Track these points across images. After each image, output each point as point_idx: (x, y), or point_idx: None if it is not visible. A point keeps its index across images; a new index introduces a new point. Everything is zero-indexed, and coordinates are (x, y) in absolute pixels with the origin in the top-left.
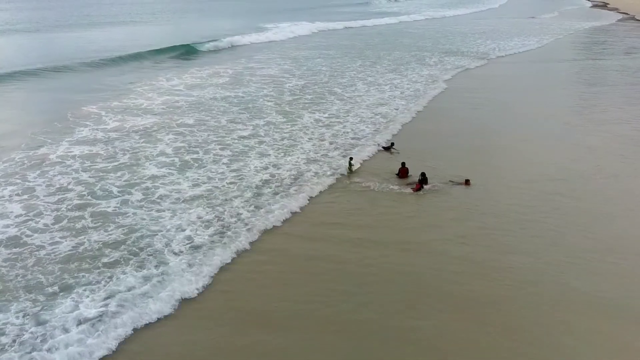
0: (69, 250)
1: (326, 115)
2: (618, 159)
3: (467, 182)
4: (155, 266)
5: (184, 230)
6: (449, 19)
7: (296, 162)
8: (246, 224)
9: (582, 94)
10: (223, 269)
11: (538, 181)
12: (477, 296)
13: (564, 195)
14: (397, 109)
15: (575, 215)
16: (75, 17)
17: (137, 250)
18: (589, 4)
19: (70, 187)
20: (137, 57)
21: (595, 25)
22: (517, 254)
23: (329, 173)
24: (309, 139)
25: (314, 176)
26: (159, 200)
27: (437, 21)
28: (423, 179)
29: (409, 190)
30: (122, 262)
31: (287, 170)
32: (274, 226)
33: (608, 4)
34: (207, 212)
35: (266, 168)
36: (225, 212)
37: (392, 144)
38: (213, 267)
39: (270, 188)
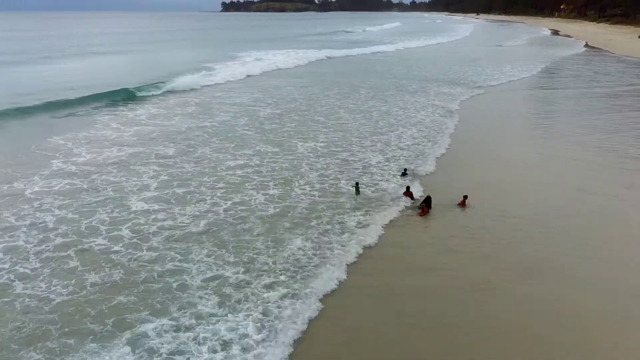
0: (69, 296)
1: (321, 144)
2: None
3: (464, 200)
4: (181, 310)
5: (204, 269)
6: (427, 47)
7: (307, 193)
8: (286, 268)
9: (584, 119)
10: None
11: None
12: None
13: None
14: (400, 136)
15: (577, 233)
16: (35, 49)
17: (153, 292)
18: (548, 32)
19: (51, 226)
20: (89, 99)
21: (568, 54)
22: (537, 265)
23: (348, 206)
24: (310, 168)
25: (331, 208)
26: (155, 238)
27: (413, 50)
28: (428, 202)
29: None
30: (142, 308)
31: (299, 202)
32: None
33: (559, 31)
34: (220, 250)
35: (275, 201)
36: (243, 249)
37: (405, 169)
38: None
39: (287, 221)
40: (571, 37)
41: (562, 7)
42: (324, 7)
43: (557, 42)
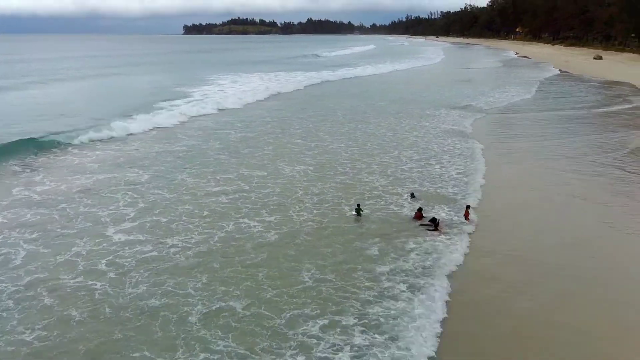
0: (56, 339)
1: (311, 167)
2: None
3: (467, 210)
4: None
5: (207, 303)
6: (402, 72)
7: (311, 219)
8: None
9: (580, 139)
10: None
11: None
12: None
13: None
14: (398, 159)
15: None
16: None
17: (151, 327)
18: (513, 54)
19: (20, 262)
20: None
21: (548, 76)
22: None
23: (359, 232)
24: (305, 192)
25: (339, 234)
26: (142, 272)
27: (393, 74)
28: (435, 225)
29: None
30: (143, 346)
31: (302, 227)
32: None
33: (518, 52)
34: (217, 283)
35: (273, 228)
36: (246, 280)
37: (412, 193)
38: None
39: (290, 248)
40: (530, 57)
41: (517, 29)
42: (286, 30)
43: (527, 64)
